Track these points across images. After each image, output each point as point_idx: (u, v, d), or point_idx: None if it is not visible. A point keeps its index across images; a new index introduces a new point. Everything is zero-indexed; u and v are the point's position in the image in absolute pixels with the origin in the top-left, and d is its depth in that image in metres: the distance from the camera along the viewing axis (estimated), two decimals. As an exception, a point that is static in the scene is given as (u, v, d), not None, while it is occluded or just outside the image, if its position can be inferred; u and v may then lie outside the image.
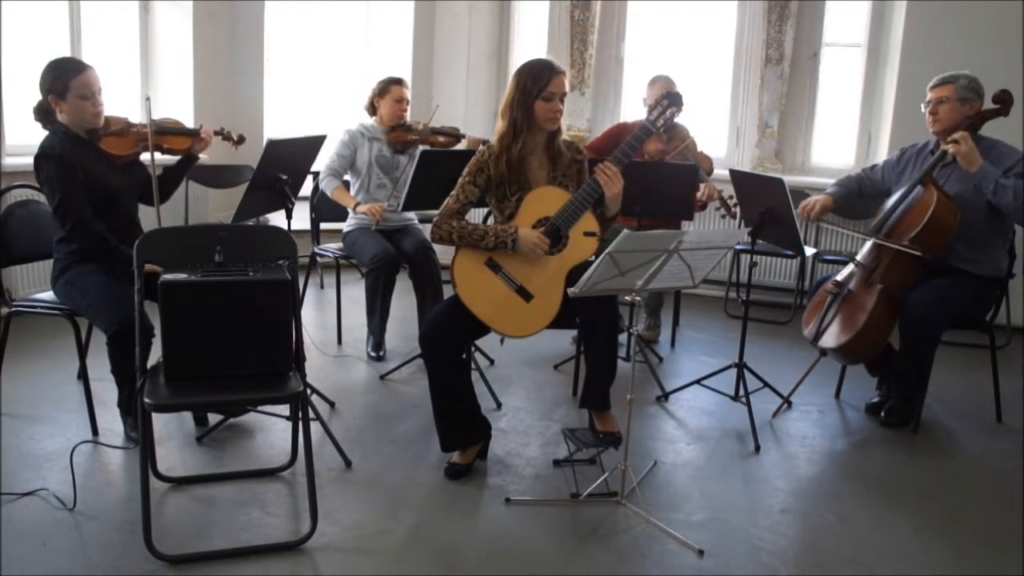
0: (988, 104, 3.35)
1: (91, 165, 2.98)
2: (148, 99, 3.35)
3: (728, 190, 4.12)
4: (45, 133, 3.02)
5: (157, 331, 2.46)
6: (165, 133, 3.24)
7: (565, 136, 2.96)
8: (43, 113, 3.01)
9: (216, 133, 3.42)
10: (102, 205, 2.99)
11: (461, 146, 4.30)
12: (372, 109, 4.20)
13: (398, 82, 4.16)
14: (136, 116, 3.28)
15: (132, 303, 2.49)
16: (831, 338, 3.41)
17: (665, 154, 4.34)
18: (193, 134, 3.30)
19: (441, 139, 4.27)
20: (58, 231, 2.99)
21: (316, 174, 4.24)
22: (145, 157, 3.19)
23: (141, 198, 3.24)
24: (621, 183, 2.78)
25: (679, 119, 4.35)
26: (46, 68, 2.96)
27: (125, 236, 2.98)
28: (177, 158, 3.34)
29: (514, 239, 2.74)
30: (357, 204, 4.01)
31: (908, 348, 3.36)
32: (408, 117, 4.21)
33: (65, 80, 2.92)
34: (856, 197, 3.72)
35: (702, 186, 4.23)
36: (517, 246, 2.74)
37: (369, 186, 4.11)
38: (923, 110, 3.45)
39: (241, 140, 3.58)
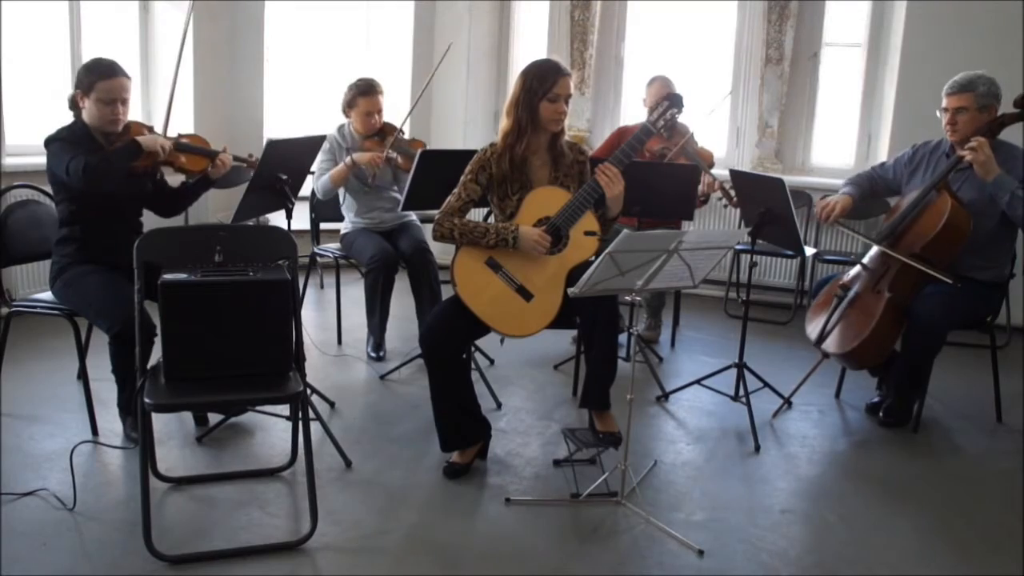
0: (1006, 108, 3.24)
1: None
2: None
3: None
4: (55, 131, 3.03)
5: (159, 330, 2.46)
6: (183, 150, 3.17)
7: (567, 137, 2.96)
8: (74, 105, 3.03)
9: (237, 160, 3.33)
10: (103, 208, 2.99)
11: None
12: (346, 114, 4.11)
13: (366, 93, 3.99)
14: (159, 127, 3.25)
15: (133, 302, 2.49)
16: (835, 344, 3.40)
17: (667, 150, 4.34)
18: (212, 156, 3.21)
19: (407, 160, 3.91)
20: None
21: (316, 192, 4.18)
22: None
23: (149, 205, 3.23)
24: (622, 184, 2.78)
25: (679, 118, 4.38)
26: (83, 65, 3.00)
27: (127, 241, 2.94)
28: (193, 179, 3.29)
29: (515, 236, 2.74)
30: (351, 159, 3.91)
31: (910, 354, 3.35)
32: (382, 122, 4.07)
33: (92, 80, 2.93)
34: (868, 195, 3.66)
35: (703, 178, 4.22)
36: (518, 243, 2.74)
37: (356, 195, 4.08)
38: (939, 115, 3.36)
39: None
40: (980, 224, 3.21)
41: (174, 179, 3.31)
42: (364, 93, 4.01)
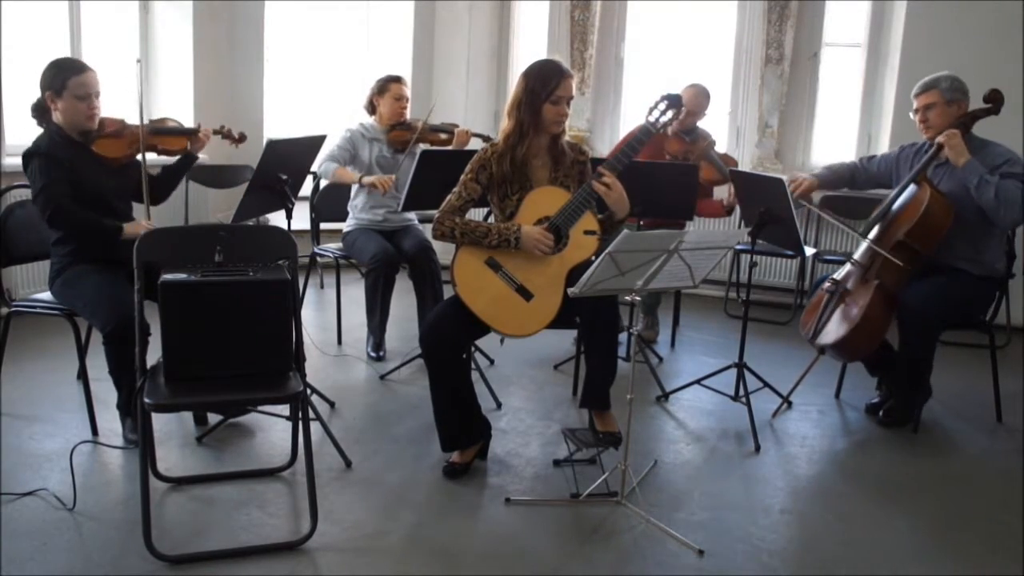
0: (978, 104, 3.35)
1: (81, 167, 2.97)
2: (139, 61, 3.23)
3: None
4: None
5: (154, 330, 2.46)
6: (161, 133, 3.21)
7: (567, 137, 2.96)
8: (40, 111, 3.01)
9: (216, 132, 3.38)
10: (94, 207, 2.98)
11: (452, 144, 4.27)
12: (371, 108, 4.19)
13: (397, 80, 4.17)
14: (133, 118, 3.22)
15: (128, 302, 2.49)
16: (828, 335, 3.42)
17: (690, 154, 4.35)
18: (190, 133, 3.26)
19: (441, 136, 4.25)
20: (43, 224, 2.96)
21: (316, 174, 4.23)
22: (140, 157, 3.16)
23: (136, 198, 3.22)
24: (619, 189, 2.77)
25: (700, 123, 4.43)
26: (47, 66, 2.97)
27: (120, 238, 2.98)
28: (176, 158, 3.33)
29: (517, 237, 2.74)
30: (362, 177, 4.00)
31: (907, 344, 3.36)
32: (408, 115, 4.21)
33: (64, 78, 2.91)
34: (847, 184, 3.76)
35: (728, 187, 4.24)
36: (520, 244, 2.74)
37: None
38: (912, 117, 3.48)
39: (242, 138, 3.52)
40: (962, 214, 3.27)
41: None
42: (396, 79, 4.18)
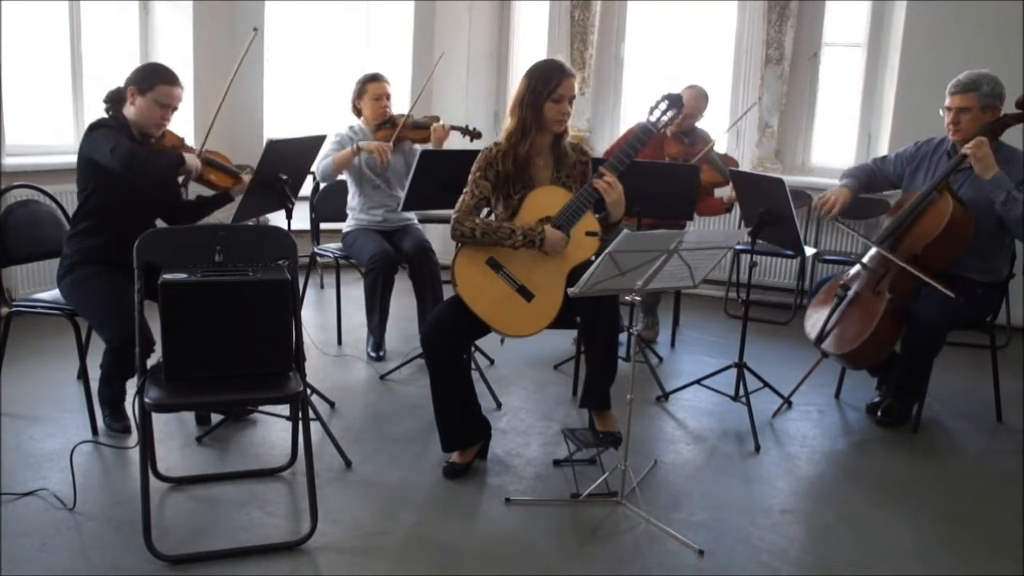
0: (1008, 108, 3.22)
1: None
2: (255, 30, 3.20)
3: None
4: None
5: (157, 342, 2.45)
6: (212, 165, 3.23)
7: (569, 137, 2.96)
8: (113, 100, 3.04)
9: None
10: (128, 197, 2.98)
11: (429, 144, 4.18)
12: (356, 111, 4.18)
13: (374, 79, 4.13)
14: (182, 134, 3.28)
15: (135, 315, 2.47)
16: (835, 344, 3.38)
17: (690, 156, 4.35)
18: (236, 177, 3.26)
19: (423, 132, 4.19)
20: (125, 172, 2.90)
21: (315, 175, 4.22)
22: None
23: (162, 214, 3.22)
24: (619, 189, 2.78)
25: (699, 124, 4.43)
26: (144, 64, 3.09)
27: (137, 234, 2.97)
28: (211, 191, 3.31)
29: (542, 239, 2.74)
30: (358, 144, 3.98)
31: (910, 355, 3.34)
32: (391, 111, 4.16)
33: (153, 82, 2.98)
34: (867, 188, 3.65)
35: (728, 188, 4.23)
36: (545, 245, 2.74)
37: (364, 188, 4.11)
38: (941, 114, 3.34)
39: None
40: (979, 224, 3.20)
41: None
42: (372, 79, 4.14)
